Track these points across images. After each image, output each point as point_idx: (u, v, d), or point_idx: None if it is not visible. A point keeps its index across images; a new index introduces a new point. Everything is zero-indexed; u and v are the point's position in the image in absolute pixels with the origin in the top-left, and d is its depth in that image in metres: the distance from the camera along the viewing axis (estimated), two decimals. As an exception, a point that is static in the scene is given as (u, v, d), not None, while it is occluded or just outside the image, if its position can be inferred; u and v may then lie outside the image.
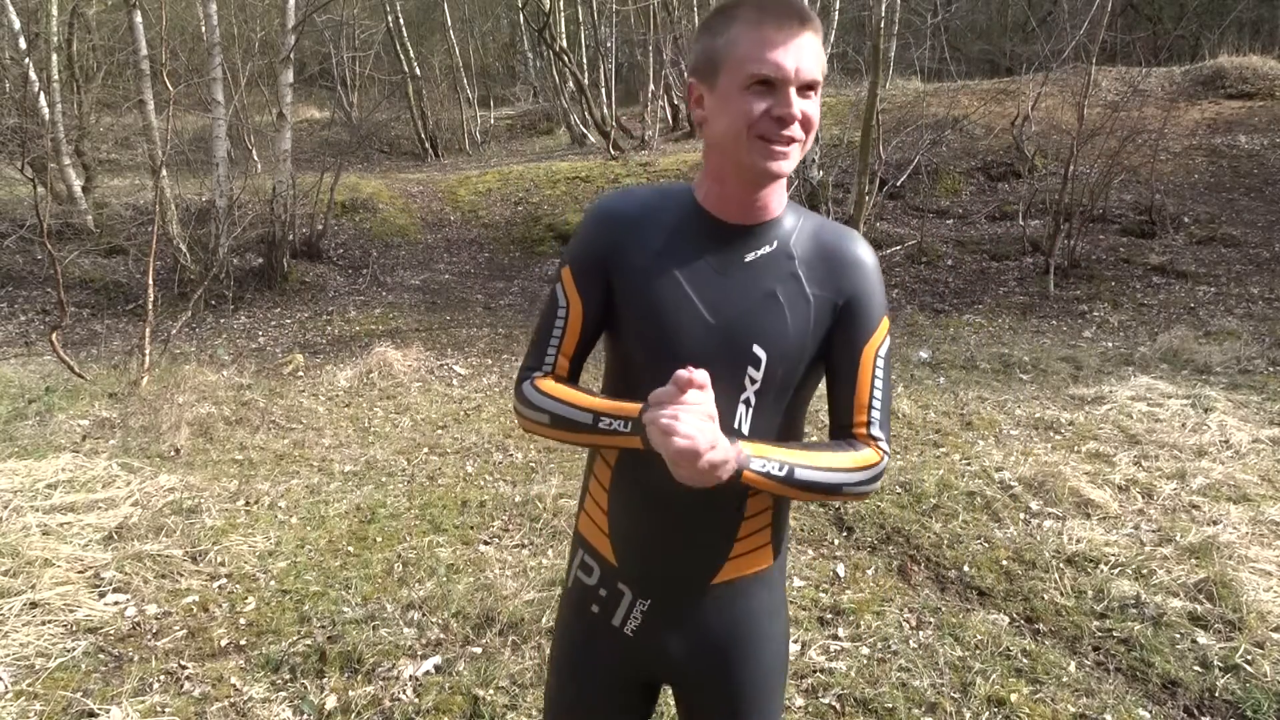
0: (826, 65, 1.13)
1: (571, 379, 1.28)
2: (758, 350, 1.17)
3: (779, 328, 1.17)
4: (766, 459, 1.11)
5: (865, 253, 1.22)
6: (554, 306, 1.25)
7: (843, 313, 1.20)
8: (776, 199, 1.20)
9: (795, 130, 1.10)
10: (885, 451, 1.21)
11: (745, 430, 1.19)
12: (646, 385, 1.14)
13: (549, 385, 1.23)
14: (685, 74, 1.17)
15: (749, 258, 1.19)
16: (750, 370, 1.17)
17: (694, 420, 1.02)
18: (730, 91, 1.10)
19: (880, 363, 1.21)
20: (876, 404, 1.21)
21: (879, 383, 1.21)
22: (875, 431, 1.21)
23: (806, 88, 1.10)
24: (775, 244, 1.19)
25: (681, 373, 1.04)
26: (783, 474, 1.12)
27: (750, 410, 1.19)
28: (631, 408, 1.14)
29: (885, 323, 1.23)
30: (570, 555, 1.38)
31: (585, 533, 1.33)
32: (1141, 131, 9.34)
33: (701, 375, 1.04)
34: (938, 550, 3.47)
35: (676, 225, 1.20)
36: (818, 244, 1.21)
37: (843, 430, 1.23)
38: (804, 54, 1.08)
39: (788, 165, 1.13)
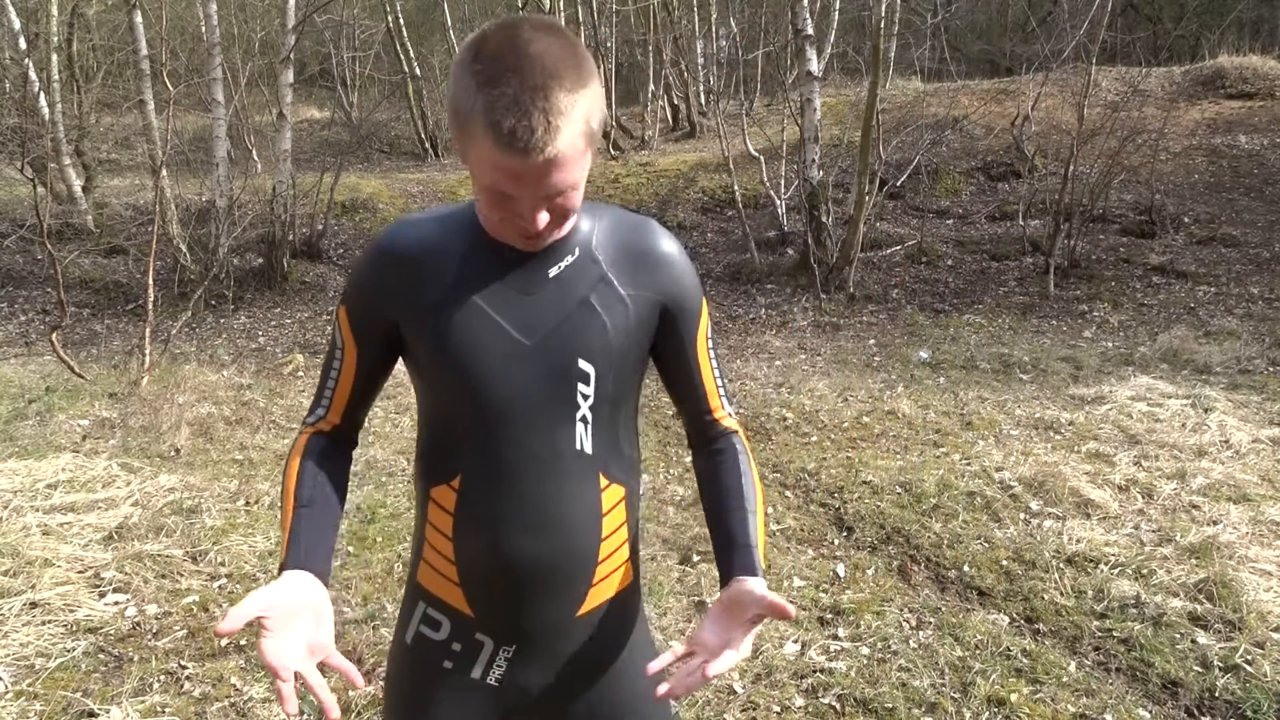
0: (598, 123, 0.97)
1: (347, 429, 1.22)
2: (584, 365, 1.11)
3: (601, 338, 1.11)
4: (755, 544, 1.15)
5: (669, 244, 1.18)
6: (333, 347, 1.17)
7: (668, 313, 1.18)
8: None
9: (544, 229, 1.01)
10: (737, 422, 1.28)
11: (588, 449, 1.14)
12: (464, 424, 1.11)
13: (295, 461, 1.15)
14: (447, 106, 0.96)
15: (553, 272, 1.11)
16: (581, 387, 1.11)
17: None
18: (474, 175, 0.99)
19: (711, 346, 1.24)
20: (720, 387, 1.26)
21: (715, 367, 1.25)
22: (726, 408, 1.27)
23: (557, 194, 0.98)
24: (577, 252, 1.12)
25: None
26: (760, 539, 1.17)
27: (589, 427, 1.14)
28: (286, 551, 1.08)
29: (704, 305, 1.23)
30: (406, 608, 1.25)
31: (428, 584, 1.20)
32: (1141, 131, 9.34)
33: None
34: (938, 550, 3.47)
35: (466, 253, 1.10)
36: (619, 241, 1.15)
37: (696, 419, 1.26)
38: (551, 173, 0.94)
39: (547, 241, 1.07)
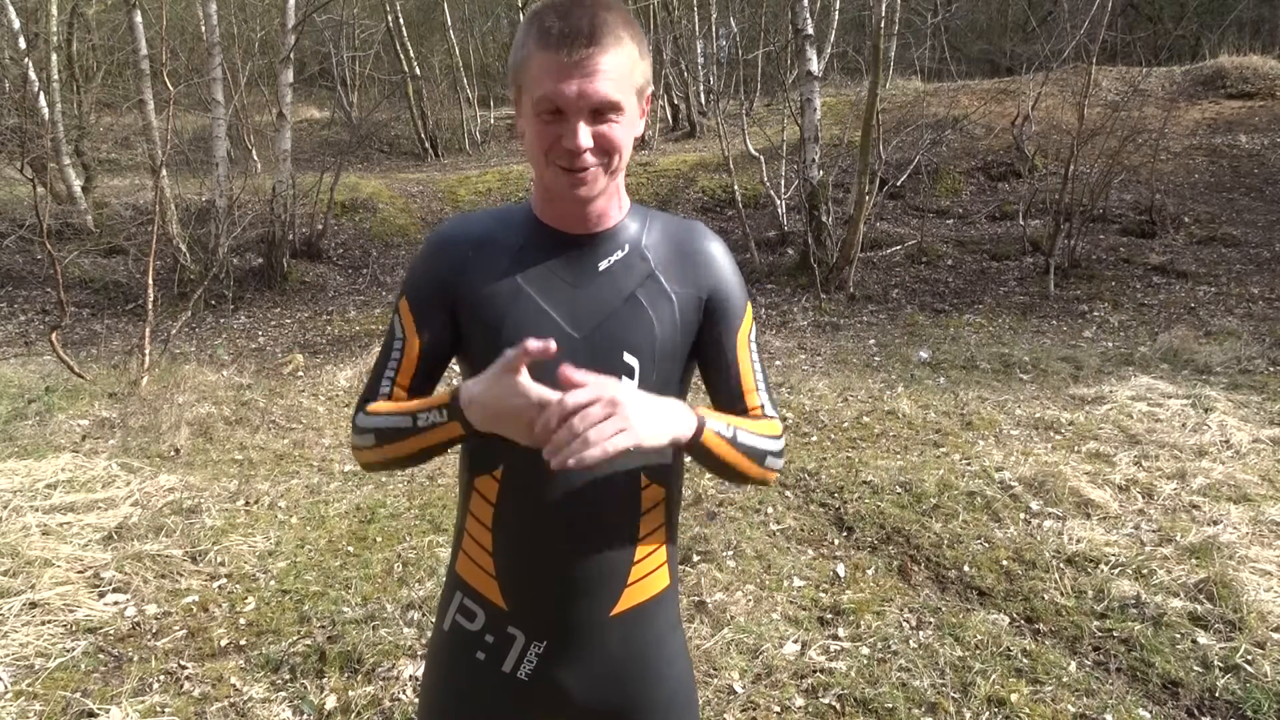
0: (643, 77, 1.06)
1: None
2: (629, 359, 1.14)
3: (646, 332, 1.15)
4: (716, 419, 1.11)
5: (716, 246, 1.22)
6: (391, 338, 1.20)
7: (709, 308, 1.19)
8: (616, 205, 1.18)
9: (589, 158, 1.05)
10: (779, 422, 1.24)
11: None
12: None
13: (375, 406, 1.17)
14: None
15: (603, 266, 1.16)
16: (625, 381, 1.12)
17: (631, 405, 0.98)
18: (527, 112, 1.06)
19: (753, 347, 1.23)
20: (761, 385, 1.23)
21: (756, 366, 1.23)
22: (769, 411, 1.23)
23: (601, 111, 1.03)
24: (627, 248, 1.17)
25: (532, 342, 0.96)
26: (730, 434, 1.11)
27: None
28: (440, 396, 1.10)
29: (749, 308, 1.24)
30: (445, 597, 1.27)
31: (465, 575, 1.23)
32: (1141, 131, 9.34)
33: (536, 344, 0.97)
34: (938, 550, 3.46)
35: (521, 244, 1.16)
36: (670, 242, 1.19)
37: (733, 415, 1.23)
38: (595, 79, 1.00)
39: (591, 189, 1.09)
